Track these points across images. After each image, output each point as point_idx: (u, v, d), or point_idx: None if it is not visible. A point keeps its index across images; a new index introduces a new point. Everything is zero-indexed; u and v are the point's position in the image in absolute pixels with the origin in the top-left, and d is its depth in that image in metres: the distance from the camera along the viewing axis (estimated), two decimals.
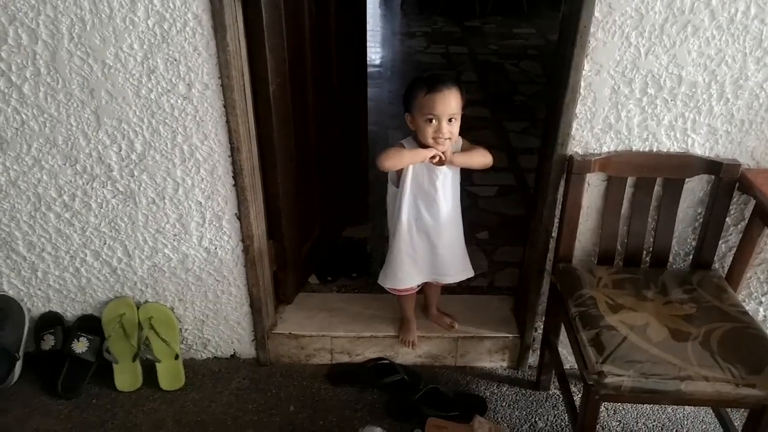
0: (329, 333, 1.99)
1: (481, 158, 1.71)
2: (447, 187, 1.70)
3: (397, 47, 5.51)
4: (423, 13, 6.43)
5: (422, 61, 5.01)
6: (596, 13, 1.44)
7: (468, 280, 1.89)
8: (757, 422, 1.43)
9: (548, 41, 5.44)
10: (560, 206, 1.70)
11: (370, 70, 3.95)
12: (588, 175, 1.63)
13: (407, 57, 5.20)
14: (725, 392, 1.33)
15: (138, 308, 1.90)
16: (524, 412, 1.86)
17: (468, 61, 5.00)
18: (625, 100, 1.55)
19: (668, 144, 1.61)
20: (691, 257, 1.75)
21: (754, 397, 1.34)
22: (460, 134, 1.65)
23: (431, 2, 6.45)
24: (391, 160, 1.62)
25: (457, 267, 1.84)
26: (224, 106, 1.58)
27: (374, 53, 5.15)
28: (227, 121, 1.60)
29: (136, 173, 1.69)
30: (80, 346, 1.88)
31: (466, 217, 1.83)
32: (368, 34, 4.20)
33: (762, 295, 1.83)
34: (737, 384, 1.33)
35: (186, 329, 1.97)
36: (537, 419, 1.84)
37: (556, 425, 1.82)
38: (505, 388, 1.94)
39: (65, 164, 1.67)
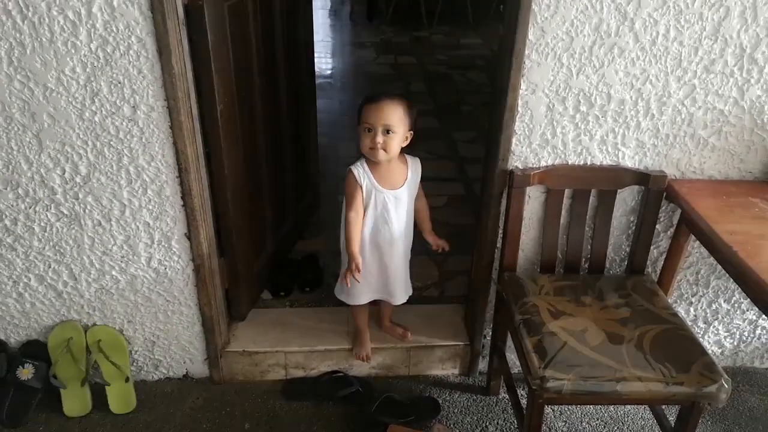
0: (283, 348, 2.00)
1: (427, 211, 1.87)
2: (401, 211, 1.75)
3: (347, 58, 5.56)
4: (372, 24, 6.51)
5: (372, 72, 5.08)
6: (530, 36, 1.52)
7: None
8: (688, 417, 1.53)
9: (494, 51, 5.60)
10: (503, 218, 1.78)
11: (320, 81, 3.99)
12: (528, 188, 1.71)
13: (357, 68, 5.26)
14: (657, 391, 1.42)
15: (86, 332, 1.87)
16: (475, 417, 1.92)
17: (417, 72, 5.09)
18: (560, 117, 1.64)
19: (601, 157, 1.70)
20: (625, 263, 1.86)
21: (683, 395, 1.43)
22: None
23: (380, 13, 6.53)
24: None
25: (402, 287, 1.89)
26: (171, 128, 1.59)
27: (324, 64, 5.18)
28: (174, 143, 1.61)
29: (81, 196, 1.67)
30: (25, 373, 1.84)
31: (416, 228, 1.88)
32: (318, 44, 4.22)
33: (691, 296, 1.95)
34: (667, 383, 1.42)
35: (136, 351, 1.95)
36: (488, 424, 1.90)
37: (506, 428, 1.88)
38: (456, 395, 2.00)
39: (6, 188, 1.64)
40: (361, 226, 1.72)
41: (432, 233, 1.88)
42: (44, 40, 1.45)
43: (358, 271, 1.68)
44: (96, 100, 1.54)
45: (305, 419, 1.89)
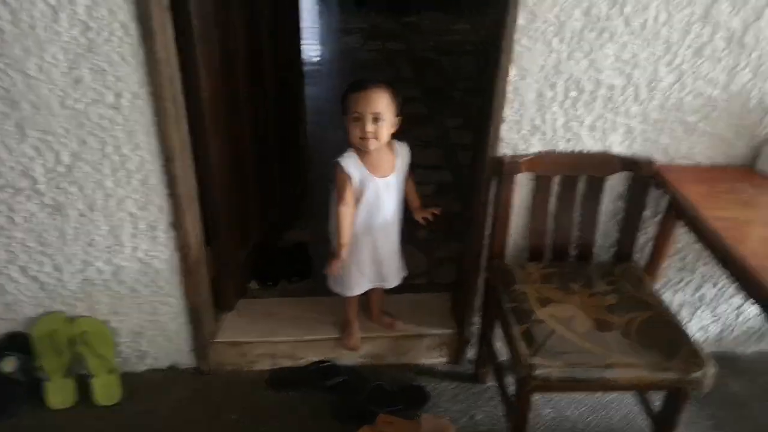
0: (271, 338, 1.99)
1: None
2: (393, 197, 1.75)
3: (335, 44, 5.51)
4: (360, 9, 6.44)
5: (361, 58, 5.04)
6: (520, 21, 1.50)
7: (408, 278, 1.95)
8: (674, 403, 1.55)
9: (484, 37, 5.57)
10: (492, 205, 1.77)
11: (308, 68, 3.93)
12: (517, 175, 1.70)
13: (345, 54, 5.21)
14: (644, 377, 1.43)
15: (70, 323, 1.84)
16: (464, 405, 1.92)
17: (405, 58, 5.05)
18: (550, 103, 1.62)
19: (590, 144, 1.69)
20: (613, 249, 1.86)
21: (669, 381, 1.44)
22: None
23: None
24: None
25: (396, 269, 1.89)
26: (156, 116, 1.56)
27: (312, 51, 5.13)
28: (159, 131, 1.58)
29: (63, 185, 1.64)
30: (8, 365, 1.81)
31: (405, 216, 1.87)
32: (306, 31, 4.15)
33: (678, 283, 1.96)
34: (654, 369, 1.42)
35: (122, 342, 1.93)
36: (476, 411, 1.90)
37: (494, 416, 1.89)
38: (445, 383, 2.00)
39: None
40: (352, 219, 1.70)
41: (421, 209, 1.85)
42: (24, 26, 1.41)
43: (340, 265, 1.70)
44: (78, 88, 1.50)
45: (293, 409, 1.88)
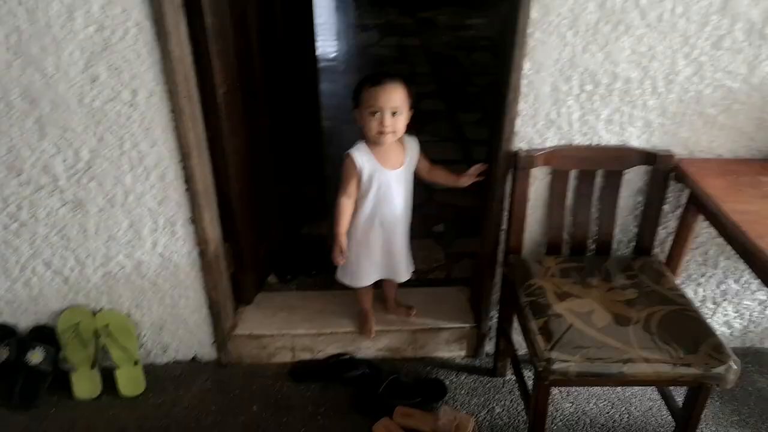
0: (290, 331, 2.00)
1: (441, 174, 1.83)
2: (402, 190, 1.75)
3: (351, 40, 5.51)
4: (375, 5, 6.43)
5: (376, 54, 5.03)
6: (533, 14, 1.49)
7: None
8: (695, 399, 1.52)
9: (498, 31, 5.52)
10: (509, 200, 1.76)
11: (324, 64, 3.95)
12: (533, 169, 1.69)
13: (361, 50, 5.22)
14: (664, 372, 1.41)
15: (94, 316, 1.88)
16: (482, 399, 1.92)
17: (421, 53, 5.04)
18: (565, 97, 1.61)
19: (607, 137, 1.68)
20: (632, 244, 1.84)
21: (690, 376, 1.42)
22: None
23: None
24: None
25: (405, 264, 1.90)
26: (172, 112, 1.58)
27: (328, 47, 5.14)
28: (176, 127, 1.60)
29: (84, 182, 1.67)
30: (35, 356, 1.86)
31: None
32: (322, 27, 4.15)
33: (700, 277, 1.93)
34: (675, 364, 1.40)
35: (144, 335, 1.97)
36: (494, 405, 1.90)
37: (512, 410, 1.89)
38: (463, 377, 2.00)
39: (9, 175, 1.64)
40: (351, 211, 1.73)
41: (460, 175, 1.80)
42: (41, 24, 1.44)
43: (342, 253, 1.72)
44: (95, 86, 1.53)
45: (313, 401, 1.90)
